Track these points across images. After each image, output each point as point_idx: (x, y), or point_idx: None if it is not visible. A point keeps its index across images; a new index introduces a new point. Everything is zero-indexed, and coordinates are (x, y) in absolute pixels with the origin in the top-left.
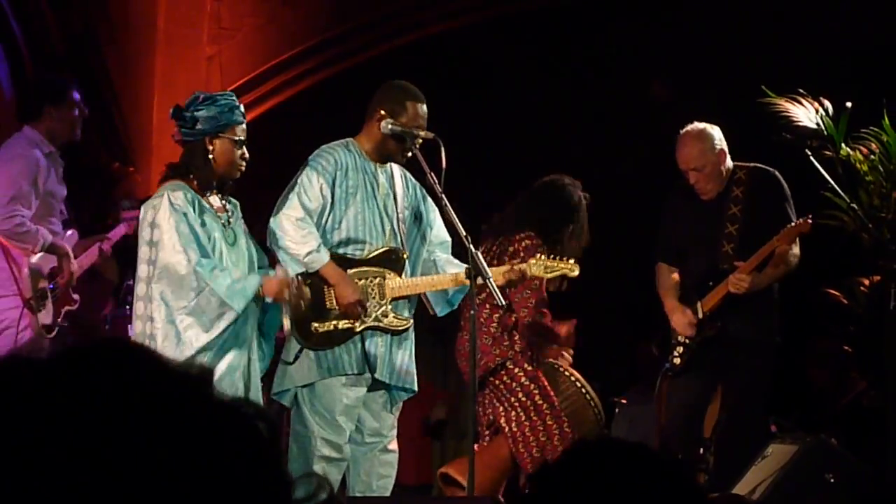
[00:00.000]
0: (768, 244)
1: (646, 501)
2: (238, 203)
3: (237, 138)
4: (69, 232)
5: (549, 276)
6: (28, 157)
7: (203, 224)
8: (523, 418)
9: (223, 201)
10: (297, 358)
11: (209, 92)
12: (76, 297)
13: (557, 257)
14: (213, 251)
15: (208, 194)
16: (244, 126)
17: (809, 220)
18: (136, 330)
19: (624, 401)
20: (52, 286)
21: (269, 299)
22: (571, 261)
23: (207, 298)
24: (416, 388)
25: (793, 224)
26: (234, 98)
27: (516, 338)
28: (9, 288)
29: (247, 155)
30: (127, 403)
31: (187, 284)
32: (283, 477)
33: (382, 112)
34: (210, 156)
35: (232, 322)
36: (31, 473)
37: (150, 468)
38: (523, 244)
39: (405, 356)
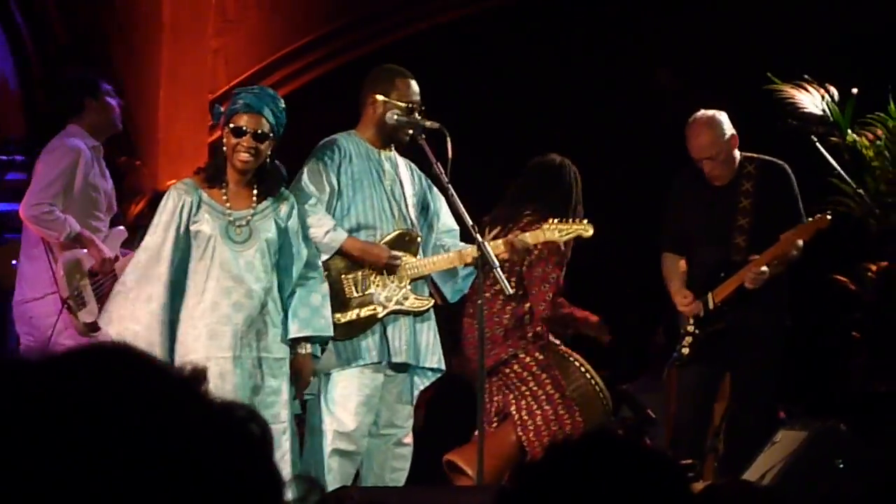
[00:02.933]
0: (784, 239)
1: (630, 495)
2: (290, 198)
3: (233, 126)
4: (118, 228)
5: (564, 238)
6: (67, 148)
7: (194, 221)
8: (534, 407)
9: (256, 196)
10: (322, 351)
11: (215, 85)
12: None
13: (569, 219)
14: (202, 252)
15: (223, 187)
16: (250, 116)
17: (829, 217)
18: None
19: (623, 386)
20: (94, 282)
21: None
22: (585, 221)
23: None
24: (443, 367)
25: (811, 219)
26: (250, 91)
27: (529, 328)
28: (52, 286)
29: (248, 145)
30: (118, 405)
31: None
32: (273, 478)
33: (376, 96)
34: (222, 148)
35: None
36: (24, 475)
37: (141, 468)
38: (526, 221)
39: (430, 336)
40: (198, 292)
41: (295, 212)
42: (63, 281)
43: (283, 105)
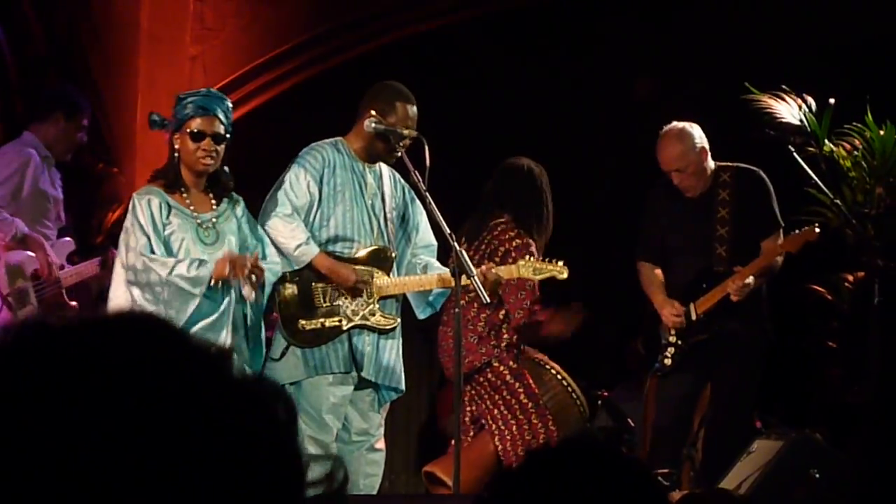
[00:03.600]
0: (771, 251)
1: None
2: (240, 199)
3: (193, 131)
4: (65, 239)
5: (538, 277)
6: (18, 152)
7: (164, 225)
8: (509, 417)
9: (214, 199)
10: (283, 355)
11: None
12: (74, 303)
13: (546, 259)
14: (180, 251)
15: (183, 193)
16: (206, 119)
17: (817, 230)
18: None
19: (605, 393)
20: (36, 285)
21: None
22: (560, 263)
23: (172, 288)
24: (403, 387)
25: (800, 231)
26: (199, 94)
27: (503, 335)
28: None
29: (209, 147)
30: (145, 375)
31: (155, 280)
32: (298, 457)
33: (373, 112)
34: (176, 154)
35: (195, 310)
36: (44, 443)
37: (164, 442)
38: (514, 244)
39: (392, 355)
40: None
41: (246, 210)
42: (3, 279)
43: (230, 105)
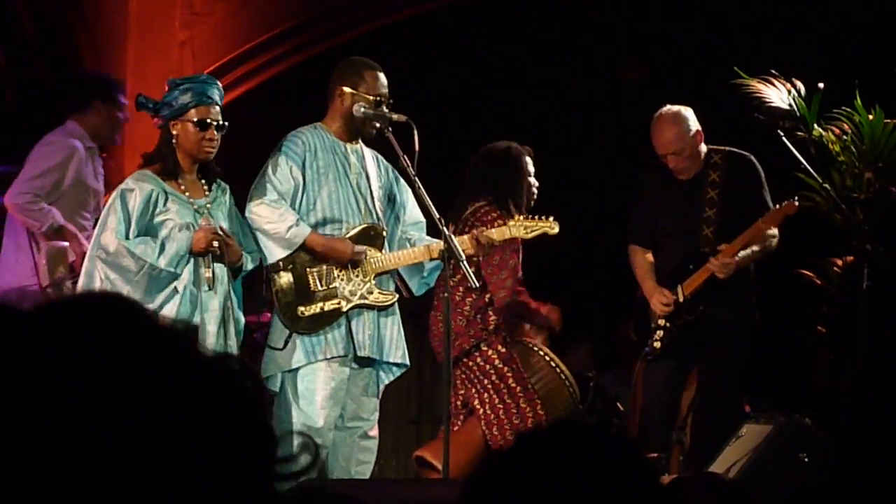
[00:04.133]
0: (753, 227)
1: (598, 485)
2: (227, 187)
3: (196, 119)
4: None
5: (530, 235)
6: (63, 143)
7: (161, 212)
8: (496, 401)
9: (206, 185)
10: (286, 343)
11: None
12: None
13: (536, 216)
14: (172, 237)
15: (179, 179)
16: (208, 107)
17: (796, 203)
18: None
19: (592, 373)
20: (73, 277)
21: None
22: (550, 218)
23: (151, 273)
24: (408, 362)
25: (779, 206)
26: (197, 81)
27: (490, 317)
28: (32, 278)
29: (213, 136)
30: (111, 354)
31: (127, 266)
32: (266, 433)
33: (343, 88)
34: (173, 140)
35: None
36: (12, 424)
37: (130, 418)
38: (478, 213)
39: (394, 330)
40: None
41: (232, 198)
42: (44, 269)
43: (223, 90)
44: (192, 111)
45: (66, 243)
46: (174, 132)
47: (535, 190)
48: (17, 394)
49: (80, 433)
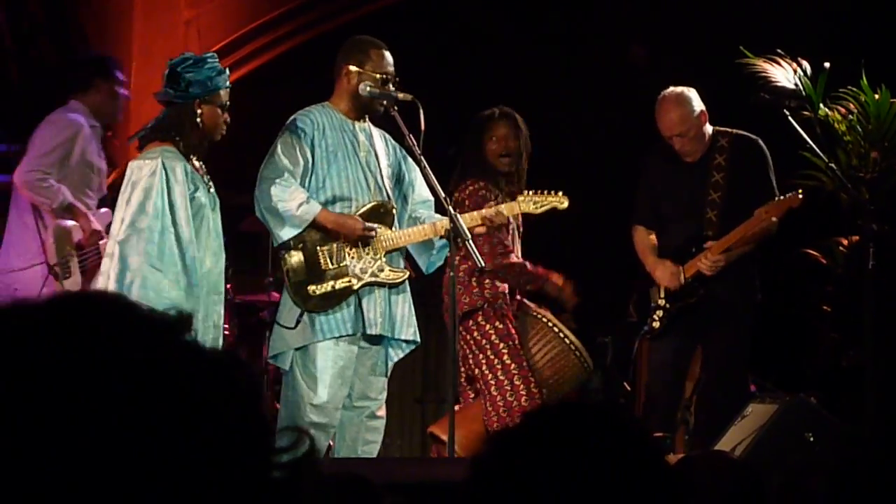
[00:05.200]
0: (756, 217)
1: (605, 464)
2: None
3: (223, 103)
4: (104, 210)
5: (539, 210)
6: (69, 121)
7: (193, 194)
8: (489, 377)
9: (204, 165)
10: (298, 322)
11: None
12: None
13: (544, 191)
14: (199, 221)
15: (193, 158)
16: (223, 91)
17: (800, 195)
18: (99, 285)
19: (608, 339)
20: (80, 255)
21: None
22: (559, 193)
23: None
24: (418, 339)
25: (783, 197)
26: (217, 62)
27: (485, 282)
28: (39, 257)
29: (229, 120)
30: (100, 350)
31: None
32: (260, 424)
33: (350, 67)
34: (198, 119)
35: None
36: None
37: (121, 413)
38: (467, 191)
39: (405, 308)
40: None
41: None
42: (52, 248)
43: None
44: (221, 94)
45: (74, 222)
46: (199, 111)
47: (502, 151)
48: (4, 390)
49: (70, 429)
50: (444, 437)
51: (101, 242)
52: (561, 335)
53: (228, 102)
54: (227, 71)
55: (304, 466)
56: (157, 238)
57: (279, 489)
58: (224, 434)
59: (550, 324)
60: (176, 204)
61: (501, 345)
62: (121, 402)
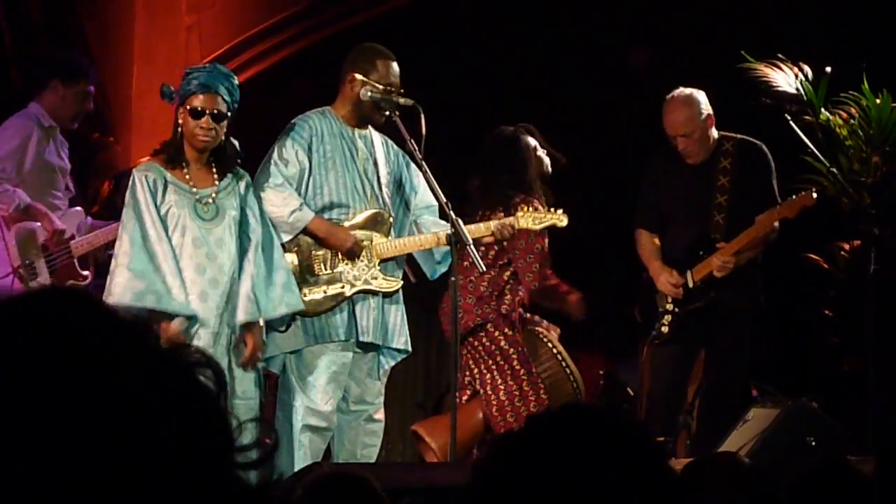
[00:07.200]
0: (761, 222)
1: (608, 468)
2: (245, 175)
3: (190, 108)
4: (75, 209)
5: (538, 227)
6: (21, 125)
7: (162, 202)
8: (499, 382)
9: (217, 174)
10: (288, 326)
11: (189, 62)
12: (87, 273)
13: (545, 208)
14: (176, 228)
15: (184, 168)
16: (207, 96)
17: (815, 195)
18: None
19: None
20: (47, 257)
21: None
22: (559, 211)
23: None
24: (409, 348)
25: (797, 196)
26: (204, 70)
27: (506, 297)
28: (8, 265)
29: (207, 125)
30: (62, 347)
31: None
32: (225, 423)
33: (355, 75)
34: (179, 128)
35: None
36: None
37: (83, 411)
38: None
39: (397, 317)
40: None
41: (251, 189)
42: (14, 251)
43: (236, 81)
44: (192, 99)
45: (37, 223)
46: (180, 120)
47: (546, 160)
48: None
49: (27, 428)
50: (427, 438)
51: (71, 243)
52: (563, 364)
53: (204, 107)
54: (205, 77)
55: (267, 463)
56: (135, 250)
57: (244, 487)
58: (181, 431)
59: (555, 350)
60: (143, 216)
61: (511, 350)
62: (76, 398)
